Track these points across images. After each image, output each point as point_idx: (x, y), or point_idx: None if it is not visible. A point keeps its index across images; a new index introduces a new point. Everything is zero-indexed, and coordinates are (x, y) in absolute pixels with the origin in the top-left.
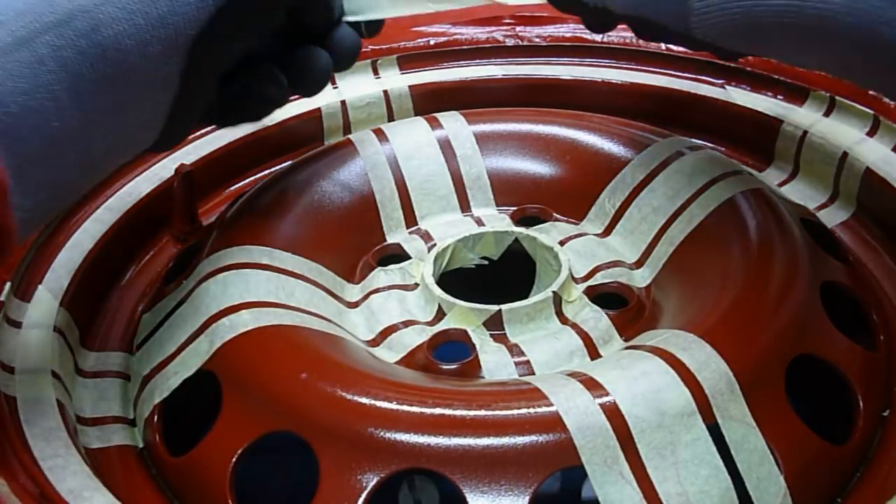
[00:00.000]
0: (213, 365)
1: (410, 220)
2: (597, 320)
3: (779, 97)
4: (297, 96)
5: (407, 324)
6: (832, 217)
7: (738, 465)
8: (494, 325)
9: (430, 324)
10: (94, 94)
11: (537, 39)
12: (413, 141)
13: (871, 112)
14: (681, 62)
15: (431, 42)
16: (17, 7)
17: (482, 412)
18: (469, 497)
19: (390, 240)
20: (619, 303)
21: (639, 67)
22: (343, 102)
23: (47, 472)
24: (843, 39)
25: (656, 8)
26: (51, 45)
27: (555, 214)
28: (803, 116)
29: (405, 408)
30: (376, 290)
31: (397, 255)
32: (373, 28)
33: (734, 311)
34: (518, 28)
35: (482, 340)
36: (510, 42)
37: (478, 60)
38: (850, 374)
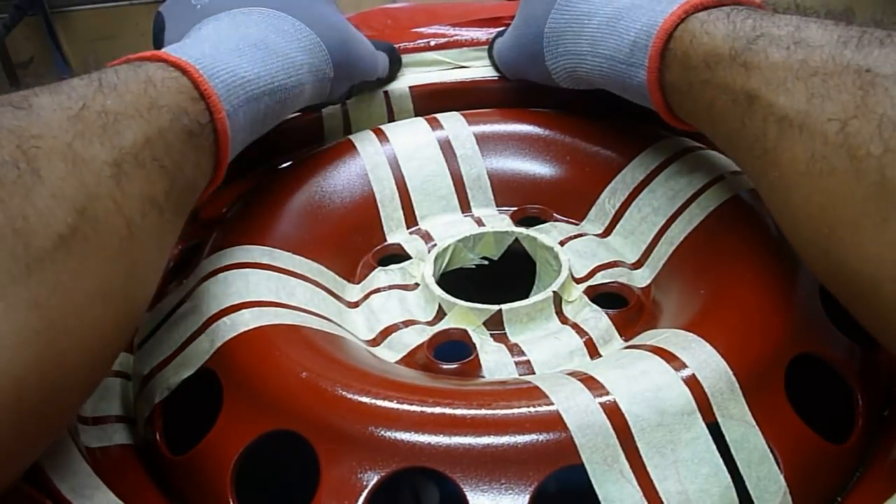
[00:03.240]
0: (214, 364)
1: (411, 220)
2: (597, 320)
3: None
4: None
5: (407, 323)
6: None
7: (737, 464)
8: (494, 324)
9: (431, 323)
10: (277, 117)
11: None
12: (413, 141)
13: None
14: None
15: (431, 43)
16: (251, 75)
17: (482, 411)
18: (469, 496)
19: (390, 240)
20: (619, 303)
21: None
22: (343, 103)
23: (48, 471)
24: (616, 84)
25: (531, 74)
26: (265, 104)
27: (555, 215)
28: None
29: (405, 407)
30: (377, 290)
31: (397, 255)
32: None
33: (734, 310)
34: None
35: (482, 340)
36: None
37: (478, 60)
38: (850, 374)
